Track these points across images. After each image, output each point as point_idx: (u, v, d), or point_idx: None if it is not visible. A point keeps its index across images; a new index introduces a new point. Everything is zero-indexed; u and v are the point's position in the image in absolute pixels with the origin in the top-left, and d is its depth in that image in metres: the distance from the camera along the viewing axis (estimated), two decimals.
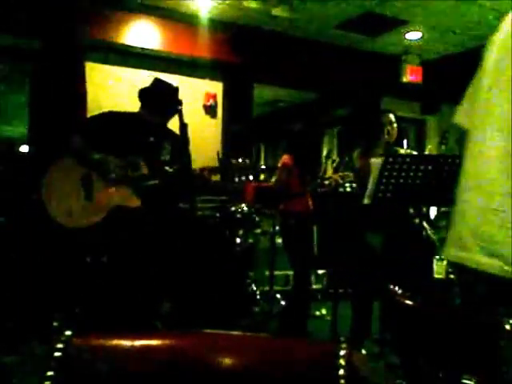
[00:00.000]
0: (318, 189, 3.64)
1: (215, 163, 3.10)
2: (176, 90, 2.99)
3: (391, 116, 3.41)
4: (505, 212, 1.17)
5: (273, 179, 4.11)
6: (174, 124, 3.00)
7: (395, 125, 3.40)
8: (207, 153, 4.24)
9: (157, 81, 3.07)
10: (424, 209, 3.92)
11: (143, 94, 3.02)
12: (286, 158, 3.69)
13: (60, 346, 0.77)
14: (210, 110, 5.81)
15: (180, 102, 2.91)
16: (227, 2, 5.01)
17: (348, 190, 4.16)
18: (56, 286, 3.35)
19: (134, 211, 2.74)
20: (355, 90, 6.56)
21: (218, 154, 3.02)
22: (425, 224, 3.69)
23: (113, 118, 2.91)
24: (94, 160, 2.73)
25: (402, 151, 3.57)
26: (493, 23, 5.31)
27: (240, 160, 2.92)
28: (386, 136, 3.35)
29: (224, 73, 5.83)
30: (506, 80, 1.21)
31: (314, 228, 4.11)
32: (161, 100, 2.96)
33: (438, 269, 3.74)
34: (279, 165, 3.73)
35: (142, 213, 2.76)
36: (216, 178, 3.46)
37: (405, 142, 4.04)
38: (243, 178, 2.98)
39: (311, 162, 3.81)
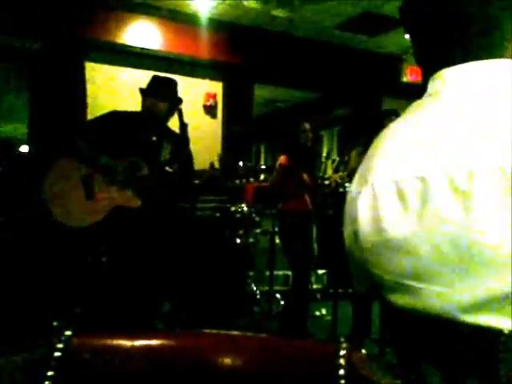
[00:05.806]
0: (318, 189, 3.64)
1: (215, 164, 3.10)
2: (174, 82, 3.00)
3: (394, 118, 3.42)
4: None
5: None
6: (174, 124, 3.00)
7: None
8: (207, 153, 4.25)
9: (154, 76, 3.10)
10: None
11: (144, 90, 3.03)
12: (282, 158, 3.71)
13: (60, 345, 0.77)
14: (210, 110, 5.82)
15: (180, 99, 2.93)
16: (227, 1, 5.02)
17: (348, 189, 4.15)
18: (56, 285, 3.35)
19: (134, 211, 2.75)
20: (355, 90, 6.57)
21: (218, 156, 3.02)
22: None
23: (115, 118, 2.91)
24: (101, 164, 2.74)
25: None
26: None
27: (241, 164, 2.91)
28: None
29: (224, 73, 5.83)
30: None
31: (314, 228, 4.11)
32: (160, 90, 2.95)
33: None
34: (276, 166, 3.75)
35: (142, 213, 2.76)
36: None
37: None
38: (244, 180, 2.99)
39: (308, 160, 3.81)
